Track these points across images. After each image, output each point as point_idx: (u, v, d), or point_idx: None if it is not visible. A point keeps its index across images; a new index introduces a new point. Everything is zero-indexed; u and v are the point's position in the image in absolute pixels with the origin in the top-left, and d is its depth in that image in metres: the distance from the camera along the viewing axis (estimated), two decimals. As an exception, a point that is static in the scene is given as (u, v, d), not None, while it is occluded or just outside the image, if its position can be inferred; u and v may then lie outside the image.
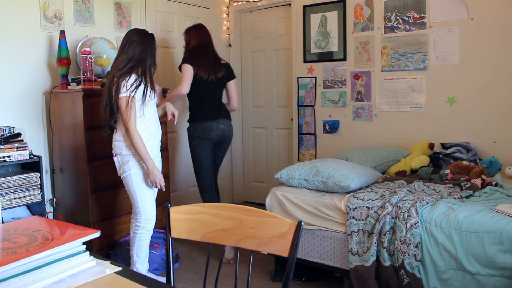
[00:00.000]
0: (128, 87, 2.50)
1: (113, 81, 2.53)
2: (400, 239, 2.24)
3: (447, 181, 2.82)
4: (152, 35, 2.72)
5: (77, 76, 3.07)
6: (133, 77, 2.54)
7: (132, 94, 2.51)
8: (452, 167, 3.00)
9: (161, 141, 2.80)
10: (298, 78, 4.25)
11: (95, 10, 3.46)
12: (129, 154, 2.60)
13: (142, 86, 2.57)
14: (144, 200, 2.64)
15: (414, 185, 2.70)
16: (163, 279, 2.66)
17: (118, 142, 2.62)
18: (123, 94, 2.50)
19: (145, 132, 2.62)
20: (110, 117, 2.57)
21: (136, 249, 2.66)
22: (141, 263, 2.67)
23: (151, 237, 3.08)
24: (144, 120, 2.61)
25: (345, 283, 2.66)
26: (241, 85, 4.76)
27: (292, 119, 4.38)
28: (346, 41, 3.91)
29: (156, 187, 2.62)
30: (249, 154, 4.87)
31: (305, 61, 4.19)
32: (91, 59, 2.93)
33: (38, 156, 2.82)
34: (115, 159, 2.66)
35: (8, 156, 2.66)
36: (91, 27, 3.44)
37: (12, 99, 3.01)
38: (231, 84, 3.42)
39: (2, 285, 0.96)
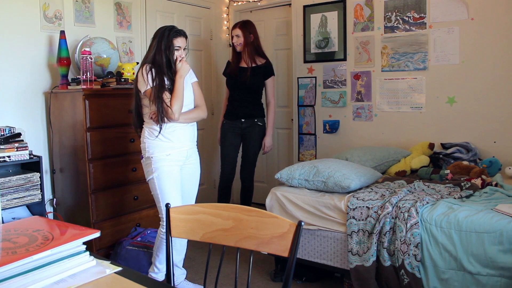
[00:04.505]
0: (146, 79, 2.45)
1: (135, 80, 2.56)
2: (400, 239, 2.23)
3: (447, 181, 2.82)
4: (161, 29, 2.56)
5: (77, 76, 3.07)
6: (145, 70, 2.47)
7: (152, 85, 2.45)
8: (452, 167, 3.00)
9: (197, 141, 2.72)
10: (298, 78, 4.24)
11: (95, 10, 3.46)
12: (151, 157, 2.50)
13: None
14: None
15: (414, 185, 2.69)
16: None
17: (142, 144, 2.57)
18: (148, 87, 2.45)
19: (170, 135, 2.51)
20: (137, 117, 2.58)
21: (157, 249, 2.62)
22: (159, 261, 2.62)
23: (151, 237, 3.09)
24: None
25: (345, 283, 2.66)
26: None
27: (292, 119, 4.38)
28: (346, 41, 3.91)
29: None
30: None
31: (305, 61, 4.19)
32: (91, 59, 2.93)
33: (38, 156, 2.81)
34: (142, 161, 2.60)
35: (8, 156, 2.66)
36: (91, 27, 3.44)
37: (12, 99, 3.01)
38: None
39: (2, 285, 0.96)
